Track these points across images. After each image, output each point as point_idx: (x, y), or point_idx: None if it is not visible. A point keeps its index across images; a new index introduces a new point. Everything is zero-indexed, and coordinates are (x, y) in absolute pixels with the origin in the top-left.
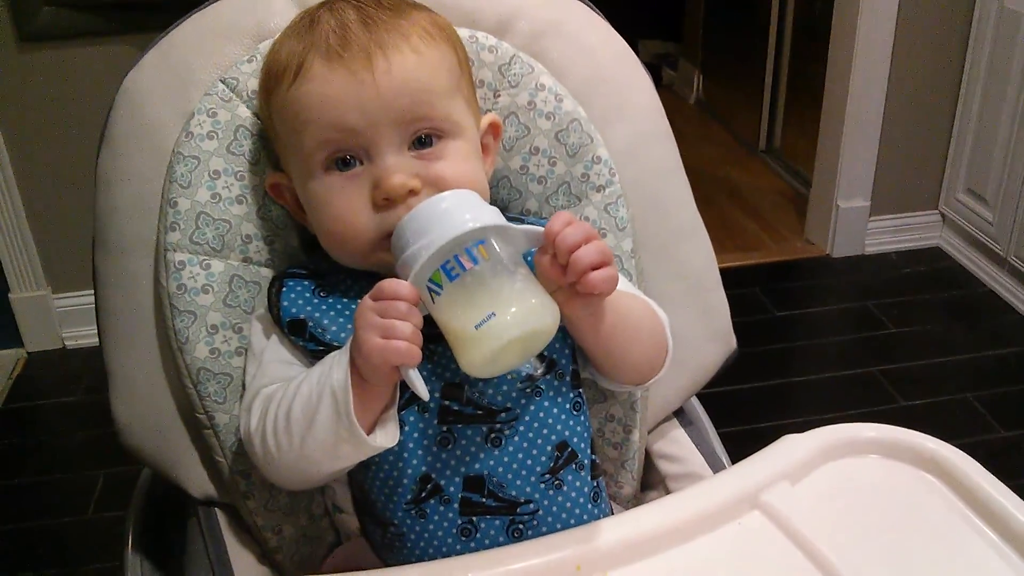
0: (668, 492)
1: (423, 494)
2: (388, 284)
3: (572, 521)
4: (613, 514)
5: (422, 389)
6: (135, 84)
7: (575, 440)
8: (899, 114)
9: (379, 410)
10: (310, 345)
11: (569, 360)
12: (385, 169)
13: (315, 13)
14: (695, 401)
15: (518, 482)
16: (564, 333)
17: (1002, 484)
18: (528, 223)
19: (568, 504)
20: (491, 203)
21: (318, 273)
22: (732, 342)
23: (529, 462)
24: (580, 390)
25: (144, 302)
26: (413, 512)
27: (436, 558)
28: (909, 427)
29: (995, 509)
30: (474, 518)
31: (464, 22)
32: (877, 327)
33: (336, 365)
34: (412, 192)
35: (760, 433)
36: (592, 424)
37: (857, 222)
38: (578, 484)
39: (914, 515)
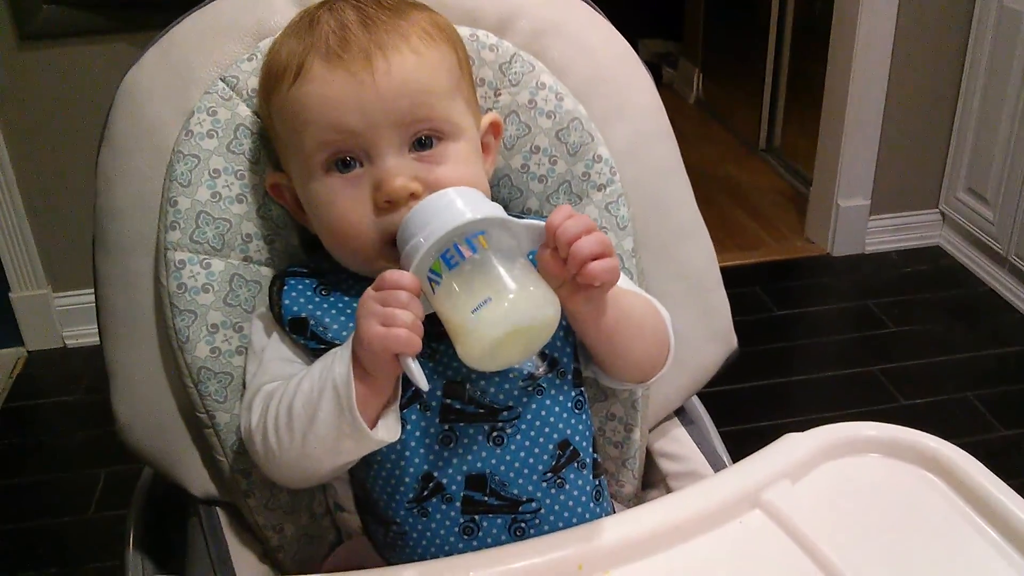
0: (669, 491)
1: (425, 493)
2: (390, 274)
3: (574, 520)
4: (615, 513)
5: (421, 379)
6: (135, 82)
7: (577, 439)
8: (899, 113)
9: (381, 405)
10: (311, 343)
11: (571, 359)
12: (386, 171)
13: (315, 13)
14: (696, 400)
15: (520, 481)
16: (566, 332)
17: (1003, 483)
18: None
19: (570, 503)
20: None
21: (319, 272)
22: (733, 341)
23: (531, 461)
24: (582, 389)
25: (144, 301)
26: (415, 511)
27: (438, 557)
28: (909, 426)
29: (996, 508)
30: (476, 517)
31: (465, 20)
32: (877, 326)
33: (338, 360)
34: (413, 195)
35: (761, 432)
36: (593, 423)
37: (857, 221)
38: (580, 483)
39: (915, 514)
